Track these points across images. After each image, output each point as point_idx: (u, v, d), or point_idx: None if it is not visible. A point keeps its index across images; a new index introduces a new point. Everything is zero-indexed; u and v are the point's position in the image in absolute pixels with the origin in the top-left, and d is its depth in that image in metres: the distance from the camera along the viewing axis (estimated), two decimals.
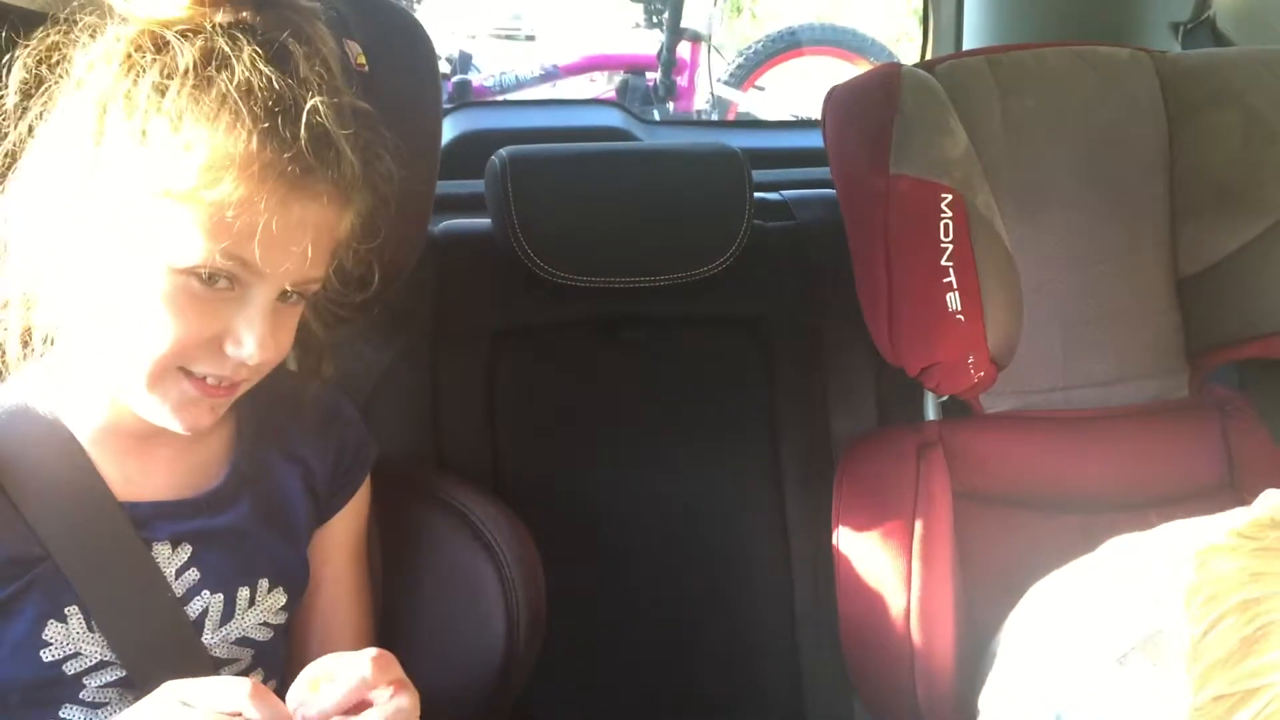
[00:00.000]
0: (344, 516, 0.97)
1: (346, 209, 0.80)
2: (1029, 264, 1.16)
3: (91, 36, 0.76)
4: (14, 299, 0.80)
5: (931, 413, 1.26)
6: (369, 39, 0.95)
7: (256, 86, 0.73)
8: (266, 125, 0.72)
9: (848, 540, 1.13)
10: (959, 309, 1.08)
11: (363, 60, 0.94)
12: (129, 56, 0.74)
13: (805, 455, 1.34)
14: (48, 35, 0.77)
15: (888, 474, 1.15)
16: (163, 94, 0.72)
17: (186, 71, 0.72)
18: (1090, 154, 1.22)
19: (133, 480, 0.85)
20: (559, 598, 1.07)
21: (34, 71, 0.76)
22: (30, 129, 0.77)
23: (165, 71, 0.73)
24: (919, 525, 1.09)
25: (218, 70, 0.73)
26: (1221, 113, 1.21)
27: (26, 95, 0.77)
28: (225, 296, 0.76)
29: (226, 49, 0.73)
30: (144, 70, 0.73)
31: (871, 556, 1.10)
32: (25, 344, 0.82)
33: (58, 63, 0.76)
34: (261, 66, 0.73)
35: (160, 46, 0.74)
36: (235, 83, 0.72)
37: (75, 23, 0.76)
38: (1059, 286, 1.21)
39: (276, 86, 0.73)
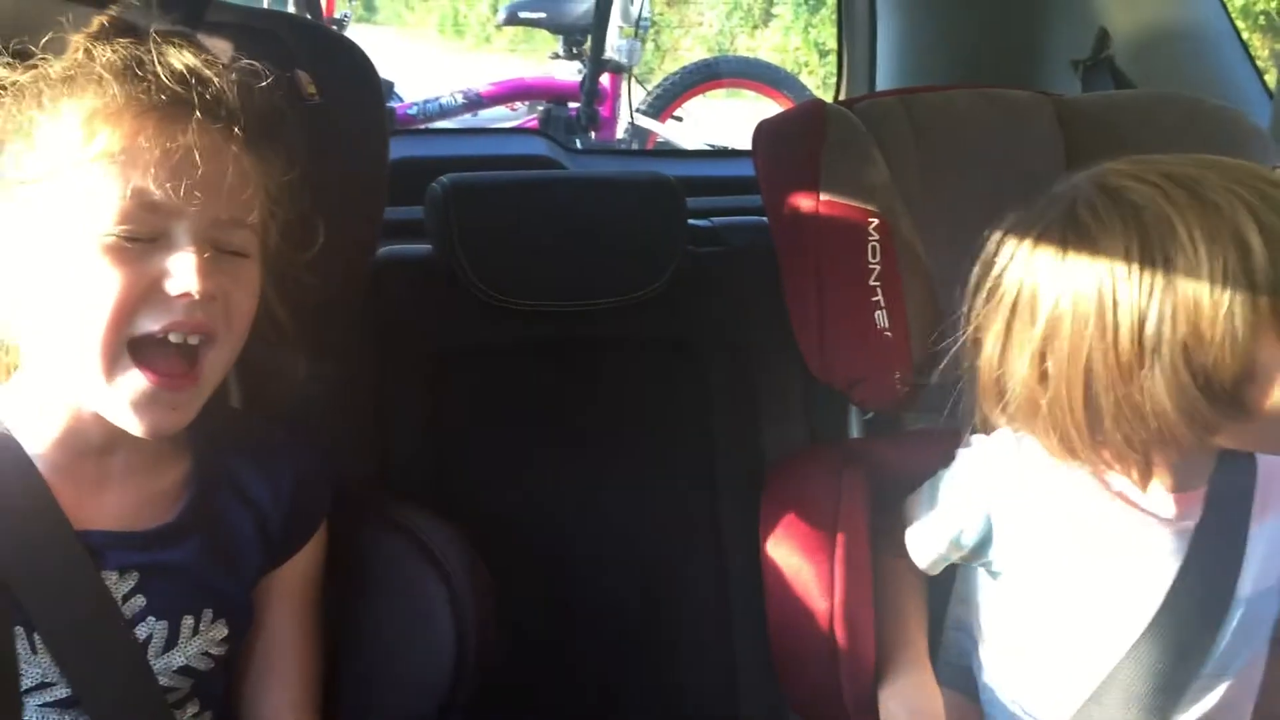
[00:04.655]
0: (296, 562, 0.97)
1: (246, 144, 0.83)
2: (945, 289, 1.21)
3: None
4: None
5: (856, 430, 1.31)
6: (317, 69, 0.98)
7: (115, 57, 0.79)
8: (124, 74, 0.79)
9: (775, 551, 1.16)
10: (886, 326, 1.13)
11: (313, 90, 0.96)
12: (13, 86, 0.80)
13: (739, 471, 1.37)
14: None
15: (812, 488, 1.18)
16: (39, 97, 0.79)
17: (57, 74, 0.80)
18: (998, 190, 1.27)
19: (86, 507, 0.85)
20: (501, 612, 1.07)
21: None
22: None
23: (42, 81, 0.80)
24: (841, 535, 1.11)
25: (83, 60, 0.80)
26: (1111, 156, 1.27)
27: None
28: (153, 247, 0.79)
29: (89, 45, 0.80)
30: (24, 91, 0.80)
31: (797, 566, 1.13)
32: None
33: None
34: (117, 43, 0.80)
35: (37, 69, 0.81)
36: (97, 61, 0.79)
37: None
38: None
39: (130, 50, 0.80)
